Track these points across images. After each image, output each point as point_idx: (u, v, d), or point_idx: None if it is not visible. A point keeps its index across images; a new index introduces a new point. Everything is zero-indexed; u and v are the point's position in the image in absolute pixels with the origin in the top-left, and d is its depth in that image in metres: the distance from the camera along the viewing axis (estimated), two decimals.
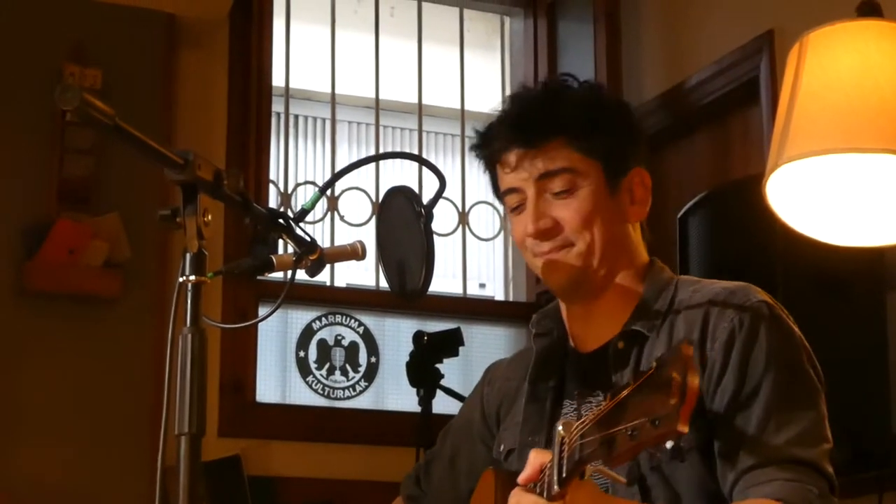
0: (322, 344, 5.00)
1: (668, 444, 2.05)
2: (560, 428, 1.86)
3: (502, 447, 2.33)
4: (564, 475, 1.83)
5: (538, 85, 2.35)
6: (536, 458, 1.95)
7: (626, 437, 1.67)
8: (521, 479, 1.96)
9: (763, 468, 2.03)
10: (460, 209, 5.38)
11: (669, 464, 2.08)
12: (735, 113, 4.61)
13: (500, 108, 2.34)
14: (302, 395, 4.94)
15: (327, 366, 4.99)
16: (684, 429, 1.62)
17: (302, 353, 4.97)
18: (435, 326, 4.68)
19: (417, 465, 2.63)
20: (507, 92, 5.63)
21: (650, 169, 2.32)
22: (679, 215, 3.97)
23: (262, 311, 4.75)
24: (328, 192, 5.06)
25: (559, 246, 2.22)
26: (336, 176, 2.29)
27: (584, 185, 2.21)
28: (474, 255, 5.84)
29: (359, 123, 6.77)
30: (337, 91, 5.34)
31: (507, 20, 5.69)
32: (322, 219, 5.19)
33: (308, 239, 2.01)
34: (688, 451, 2.07)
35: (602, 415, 1.75)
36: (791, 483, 2.01)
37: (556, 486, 1.84)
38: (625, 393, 1.70)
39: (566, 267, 2.22)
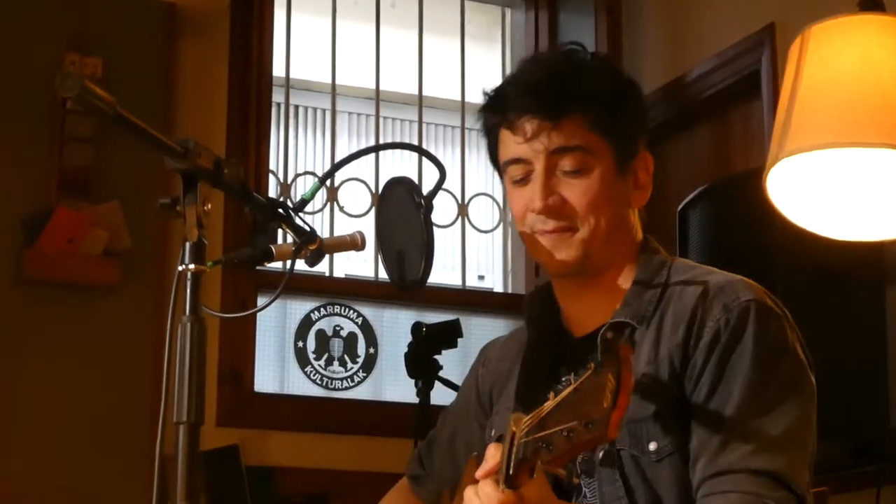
0: (321, 334, 5.00)
1: (601, 449, 2.06)
2: (511, 422, 1.85)
3: (493, 431, 2.32)
4: (511, 472, 1.83)
5: (554, 52, 2.29)
6: (496, 453, 1.94)
7: (563, 438, 1.68)
8: (478, 474, 1.94)
9: (724, 476, 2.00)
10: (460, 201, 5.38)
11: (652, 465, 2.06)
12: (736, 106, 4.61)
13: (515, 71, 2.27)
14: (300, 385, 4.94)
15: (326, 356, 4.99)
16: (614, 434, 1.61)
17: (300, 344, 4.97)
18: (434, 318, 4.68)
19: (420, 446, 2.61)
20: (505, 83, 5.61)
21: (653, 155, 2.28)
22: (679, 208, 3.97)
23: (262, 300, 4.75)
24: (328, 183, 5.07)
25: (563, 227, 2.17)
26: (336, 166, 2.28)
27: (596, 167, 2.16)
28: (473, 247, 5.84)
29: (359, 114, 6.75)
30: (337, 82, 5.33)
31: (509, 12, 5.69)
32: (322, 209, 5.19)
33: (307, 229, 2.01)
34: (669, 454, 2.05)
35: (545, 413, 1.75)
36: (746, 496, 1.97)
37: (502, 484, 1.85)
38: (566, 392, 1.70)
39: (567, 252, 2.17)
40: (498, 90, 2.26)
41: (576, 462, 2.10)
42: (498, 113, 2.24)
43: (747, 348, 2.05)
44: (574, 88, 2.17)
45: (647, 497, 2.06)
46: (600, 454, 2.08)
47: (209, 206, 1.79)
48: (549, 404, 1.74)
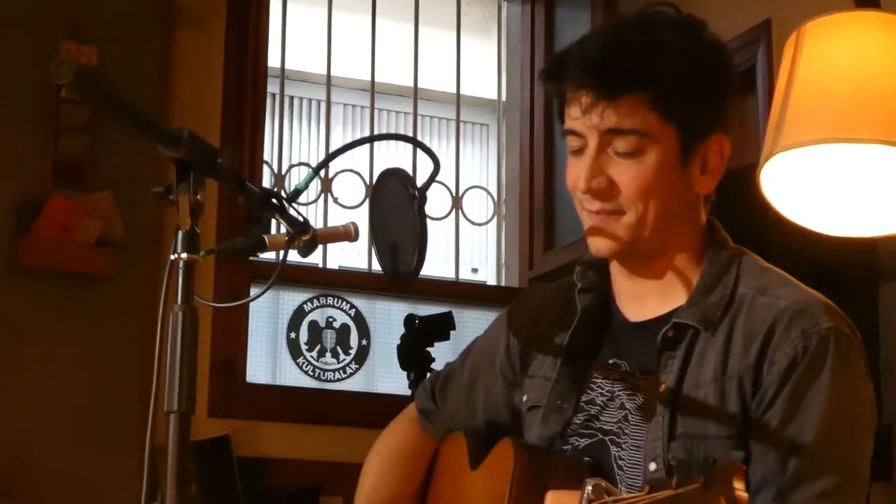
0: (313, 325, 5.00)
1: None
2: (589, 488, 1.75)
3: (526, 397, 2.25)
4: None
5: (628, 16, 2.11)
6: (555, 502, 1.90)
7: None
8: None
9: None
10: (454, 193, 5.38)
11: None
12: (732, 102, 4.60)
13: (582, 37, 2.12)
14: (292, 376, 4.95)
15: (318, 347, 4.99)
16: None
17: (293, 335, 4.97)
18: (427, 310, 4.68)
19: (433, 378, 2.51)
20: (504, 77, 5.62)
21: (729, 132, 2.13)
22: None
23: (254, 291, 4.75)
24: (322, 174, 5.06)
25: (610, 210, 2.06)
26: (330, 156, 2.27)
27: (653, 151, 2.03)
28: (467, 240, 5.85)
29: (354, 106, 6.76)
30: (332, 73, 5.33)
31: (505, 5, 5.69)
32: (315, 200, 5.19)
33: (301, 219, 2.01)
34: None
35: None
36: None
37: None
38: (665, 494, 1.61)
39: (611, 236, 2.07)
40: (560, 56, 2.10)
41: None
42: (557, 82, 2.10)
43: (825, 381, 1.96)
44: (635, 65, 2.03)
45: None
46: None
47: (202, 195, 1.78)
48: (641, 496, 1.65)
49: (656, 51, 2.05)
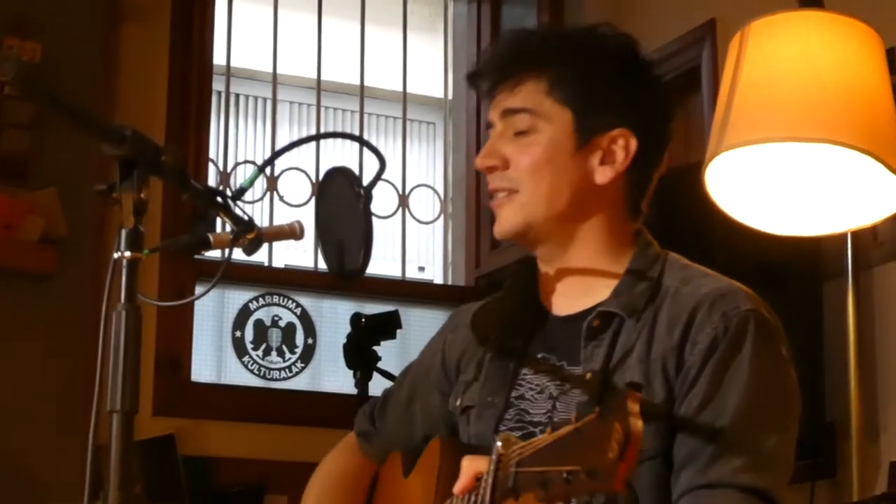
0: (259, 324, 4.98)
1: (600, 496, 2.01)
2: (499, 443, 1.81)
3: (459, 401, 2.27)
4: (496, 497, 1.79)
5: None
6: (471, 466, 1.93)
7: (561, 479, 1.62)
8: (456, 489, 1.93)
9: (711, 489, 1.97)
10: (401, 192, 5.37)
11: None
12: (676, 101, 4.59)
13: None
14: (238, 375, 4.93)
15: (264, 346, 4.98)
16: (620, 487, 1.56)
17: (238, 333, 4.95)
18: (373, 309, 4.67)
19: (373, 401, 2.54)
20: (450, 75, 5.62)
21: (649, 137, 2.17)
22: None
23: (199, 289, 4.72)
24: (267, 172, 5.04)
25: (505, 188, 2.14)
26: (275, 154, 2.26)
27: (545, 131, 2.12)
28: (414, 238, 5.84)
29: (300, 104, 6.73)
30: (278, 71, 5.31)
31: (451, 3, 5.69)
32: (261, 198, 5.17)
33: (246, 217, 2.00)
34: (652, 457, 2.01)
35: (541, 446, 1.70)
36: None
37: None
38: (567, 430, 1.64)
39: (507, 217, 2.15)
40: (478, 58, 2.28)
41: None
42: (477, 80, 2.24)
43: (745, 360, 2.01)
44: (534, 51, 2.16)
45: (629, 498, 2.02)
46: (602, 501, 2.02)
47: (146, 193, 1.77)
48: (545, 438, 1.69)
49: (559, 41, 2.19)
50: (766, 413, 2.03)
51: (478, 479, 1.90)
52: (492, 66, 2.20)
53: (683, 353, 2.03)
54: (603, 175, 2.14)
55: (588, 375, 2.05)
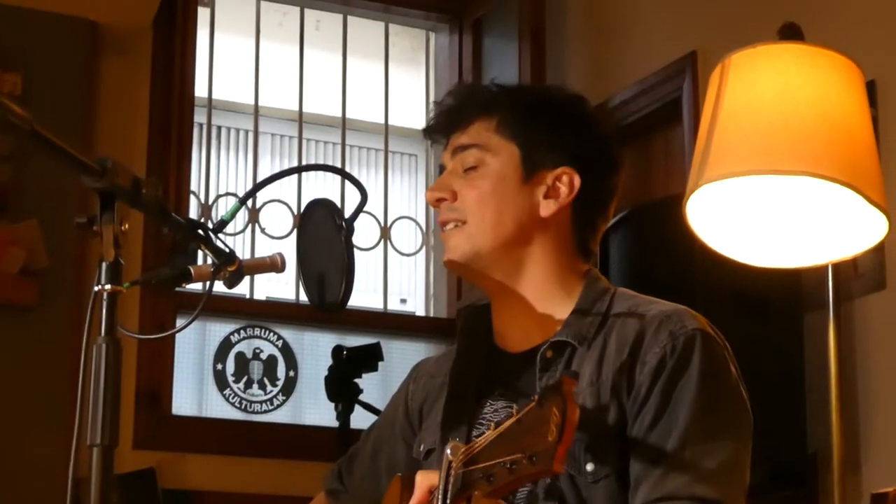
0: (240, 357, 4.97)
1: (543, 482, 2.05)
2: (448, 451, 1.85)
3: (422, 447, 2.30)
4: (450, 502, 1.83)
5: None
6: (424, 480, 1.96)
7: (506, 470, 1.66)
8: (412, 502, 1.95)
9: (667, 502, 2.00)
10: (382, 224, 5.37)
11: (587, 485, 2.05)
12: (657, 132, 4.64)
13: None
14: (219, 408, 4.91)
15: (245, 379, 4.96)
16: (559, 468, 1.61)
17: (219, 366, 4.94)
18: (354, 341, 4.66)
19: (340, 460, 2.58)
20: (431, 107, 5.63)
21: (593, 179, 2.25)
22: None
23: (180, 322, 4.71)
24: (249, 204, 5.04)
25: (454, 219, 2.21)
26: (257, 186, 2.27)
27: (492, 164, 2.21)
28: (396, 271, 5.83)
29: (282, 136, 6.72)
30: (260, 103, 5.32)
31: (433, 35, 5.70)
32: (243, 231, 5.17)
33: (227, 250, 2.00)
34: (605, 476, 2.05)
35: (486, 444, 1.74)
36: None
37: None
38: (508, 423, 1.69)
39: (455, 247, 2.21)
40: (429, 119, 2.34)
41: (514, 495, 2.09)
42: (432, 133, 2.33)
43: (693, 376, 2.06)
44: (484, 97, 2.27)
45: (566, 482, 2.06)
46: (543, 490, 2.06)
47: (126, 225, 1.77)
48: (489, 434, 1.73)
49: (510, 89, 2.33)
50: (716, 426, 2.07)
51: (431, 491, 1.93)
52: (445, 115, 2.29)
53: (633, 373, 2.09)
54: (547, 208, 2.22)
55: (534, 397, 2.09)
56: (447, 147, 2.28)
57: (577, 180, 2.22)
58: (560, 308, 2.20)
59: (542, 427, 1.61)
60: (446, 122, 2.29)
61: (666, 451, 2.03)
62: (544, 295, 2.22)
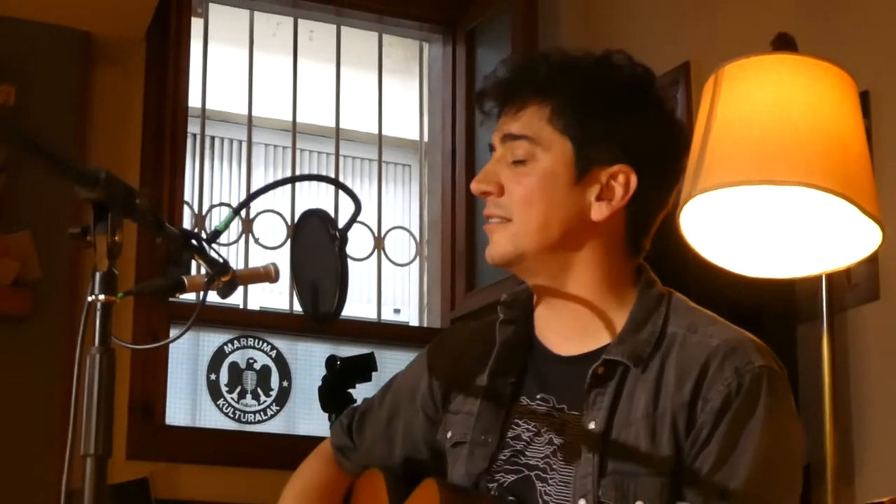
0: (234, 367, 4.97)
1: None
2: None
3: (450, 434, 2.23)
4: None
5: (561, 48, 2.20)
6: None
7: None
8: None
9: None
10: (376, 234, 5.37)
11: None
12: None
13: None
14: (212, 418, 4.91)
15: (238, 389, 4.96)
16: None
17: (213, 376, 4.93)
18: (348, 351, 4.67)
19: (349, 413, 2.48)
20: (426, 118, 5.64)
21: (652, 175, 2.11)
22: None
23: (174, 332, 4.71)
24: (243, 214, 5.04)
25: (500, 216, 2.10)
26: (251, 196, 2.26)
27: (543, 160, 2.08)
28: (390, 281, 5.83)
29: (275, 146, 6.75)
30: (254, 113, 5.32)
31: (427, 46, 5.70)
32: (237, 241, 5.17)
33: (221, 260, 1.99)
34: None
35: None
36: None
37: None
38: None
39: (497, 244, 2.10)
40: (485, 78, 2.20)
41: None
42: (480, 102, 2.18)
43: (759, 420, 1.98)
44: (539, 78, 2.11)
45: None
46: None
47: (120, 236, 1.76)
48: None
49: (567, 68, 2.13)
50: (777, 475, 2.01)
51: None
52: (497, 89, 2.15)
53: (695, 410, 1.99)
54: (599, 212, 2.09)
55: (591, 426, 2.04)
56: (496, 126, 2.14)
57: (633, 180, 2.09)
58: (612, 314, 2.10)
59: None
60: (499, 99, 2.14)
61: (724, 497, 1.96)
62: (593, 295, 2.11)
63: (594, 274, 2.11)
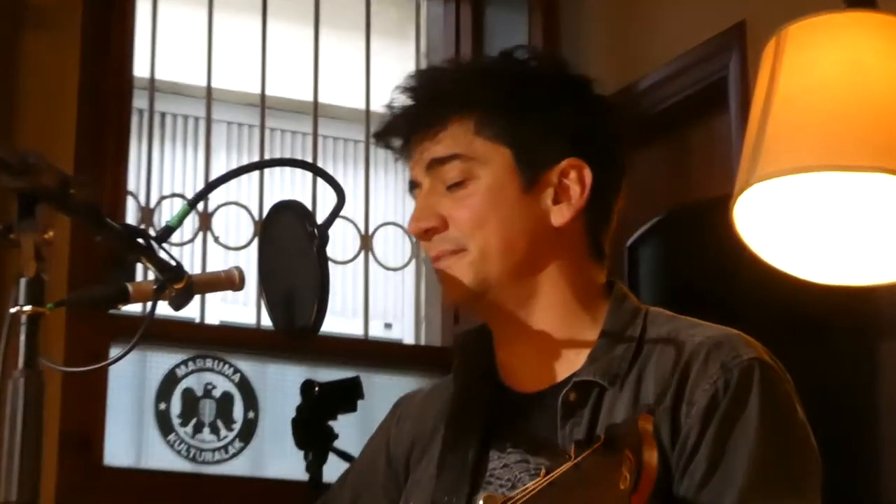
0: (188, 394, 4.98)
1: None
2: (481, 502, 1.78)
3: None
4: None
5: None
6: None
7: None
8: None
9: None
10: (363, 231, 5.38)
11: None
12: (697, 122, 4.65)
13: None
14: (162, 457, 4.92)
15: (194, 422, 4.97)
16: None
17: (163, 406, 4.94)
18: (329, 375, 4.66)
19: None
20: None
21: (604, 163, 2.21)
22: (628, 243, 3.99)
23: (115, 352, 4.70)
24: (200, 208, 5.04)
25: (450, 250, 2.18)
26: (210, 186, 2.25)
27: (482, 176, 2.17)
28: (379, 288, 5.85)
29: (240, 124, 6.76)
30: (214, 85, 5.32)
31: (424, 4, 5.72)
32: (192, 240, 5.17)
33: (173, 263, 1.99)
34: None
35: (531, 496, 1.70)
36: None
37: None
38: (563, 468, 1.65)
39: (456, 280, 2.18)
40: (387, 108, 2.30)
41: None
42: (384, 138, 2.29)
43: (751, 419, 2.03)
44: (450, 91, 2.22)
45: None
46: None
47: (51, 233, 1.76)
48: (538, 482, 1.69)
49: (477, 74, 2.26)
50: (780, 478, 2.04)
51: None
52: (405, 119, 2.24)
53: (679, 415, 2.05)
54: (560, 215, 2.19)
55: (573, 450, 2.07)
56: (414, 160, 2.23)
57: (587, 173, 2.20)
58: (583, 333, 2.18)
59: (610, 472, 1.56)
60: (409, 129, 2.24)
61: None
62: (565, 321, 2.19)
63: (563, 292, 2.20)
